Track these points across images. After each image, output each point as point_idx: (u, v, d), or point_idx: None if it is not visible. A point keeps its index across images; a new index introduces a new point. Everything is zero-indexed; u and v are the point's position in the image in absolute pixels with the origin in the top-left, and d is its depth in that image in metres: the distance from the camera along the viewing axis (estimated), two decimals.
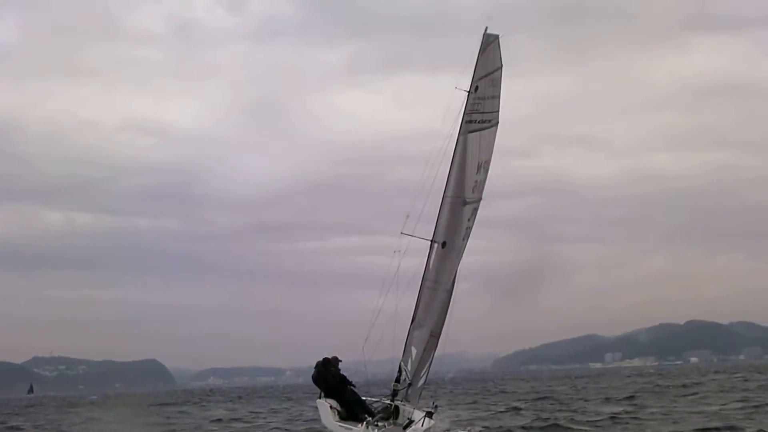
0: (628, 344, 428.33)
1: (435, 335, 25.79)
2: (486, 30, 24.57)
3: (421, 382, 25.84)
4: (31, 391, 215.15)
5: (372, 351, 25.25)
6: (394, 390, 25.44)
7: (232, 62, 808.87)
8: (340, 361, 25.55)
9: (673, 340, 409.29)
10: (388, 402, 25.29)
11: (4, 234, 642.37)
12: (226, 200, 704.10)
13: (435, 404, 26.20)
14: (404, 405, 25.19)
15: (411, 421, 24.08)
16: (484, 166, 24.81)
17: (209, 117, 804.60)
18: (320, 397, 24.66)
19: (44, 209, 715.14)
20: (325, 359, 25.22)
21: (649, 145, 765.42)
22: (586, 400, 47.20)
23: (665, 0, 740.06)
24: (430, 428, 23.83)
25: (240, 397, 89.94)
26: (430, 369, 26.14)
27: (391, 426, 23.87)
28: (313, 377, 25.30)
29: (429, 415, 24.17)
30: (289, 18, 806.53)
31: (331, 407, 24.16)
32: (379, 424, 23.58)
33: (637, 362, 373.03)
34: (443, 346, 25.86)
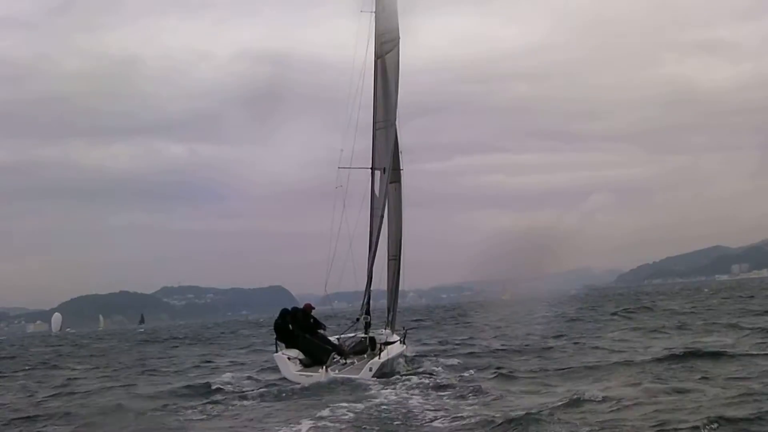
0: (757, 255, 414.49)
1: (394, 258, 26.34)
2: None
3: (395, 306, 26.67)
4: (142, 321, 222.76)
5: (336, 285, 25.55)
6: (366, 322, 25.34)
7: None
8: (313, 308, 24.98)
9: None
10: (362, 335, 25.12)
11: (133, 168, 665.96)
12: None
13: (405, 329, 26.84)
14: (380, 335, 25.10)
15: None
16: (397, 85, 24.63)
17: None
18: (276, 351, 23.62)
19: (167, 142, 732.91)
20: (284, 310, 24.63)
21: None
22: None
23: None
24: (397, 355, 23.72)
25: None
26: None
27: (364, 360, 23.32)
28: (274, 325, 24.58)
29: (398, 341, 24.44)
30: None
31: (289, 358, 23.10)
32: (349, 360, 23.37)
33: (766, 273, 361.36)
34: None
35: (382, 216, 25.43)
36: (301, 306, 25.28)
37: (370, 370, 21.56)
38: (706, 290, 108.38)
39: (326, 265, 24.90)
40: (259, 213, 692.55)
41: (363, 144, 25.45)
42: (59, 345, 77.51)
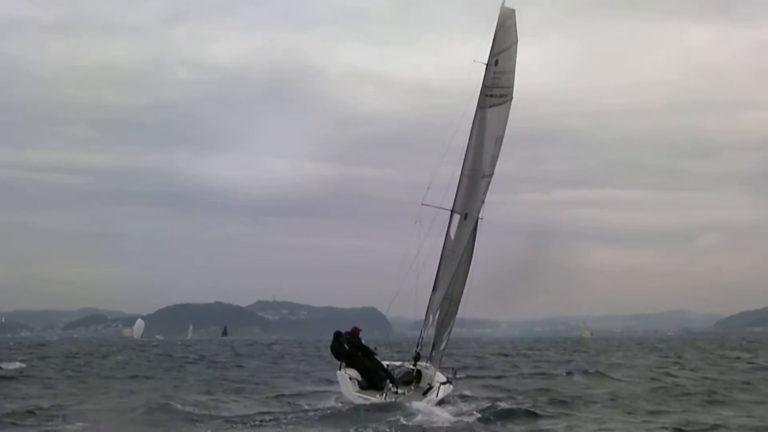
0: None
1: (453, 299, 26.88)
2: (503, 3, 25.23)
3: (443, 345, 27.12)
4: (225, 333, 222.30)
5: (396, 316, 26.35)
6: (416, 354, 26.48)
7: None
8: (360, 330, 25.95)
9: None
10: (411, 366, 26.19)
11: (237, 181, 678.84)
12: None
13: (454, 370, 27.55)
14: (426, 369, 26.15)
15: (431, 387, 24.66)
16: (499, 140, 25.56)
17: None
18: (340, 369, 24.97)
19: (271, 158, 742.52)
20: (337, 332, 25.72)
21: None
22: None
23: None
24: (446, 396, 24.46)
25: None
26: (451, 333, 27.38)
27: (411, 392, 24.44)
28: (330, 348, 25.92)
29: (447, 382, 25.11)
30: None
31: (350, 378, 24.48)
32: (399, 390, 24.13)
33: None
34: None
35: (456, 260, 26.41)
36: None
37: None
38: None
39: (416, 292, 26.27)
40: (359, 233, 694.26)
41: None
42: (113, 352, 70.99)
